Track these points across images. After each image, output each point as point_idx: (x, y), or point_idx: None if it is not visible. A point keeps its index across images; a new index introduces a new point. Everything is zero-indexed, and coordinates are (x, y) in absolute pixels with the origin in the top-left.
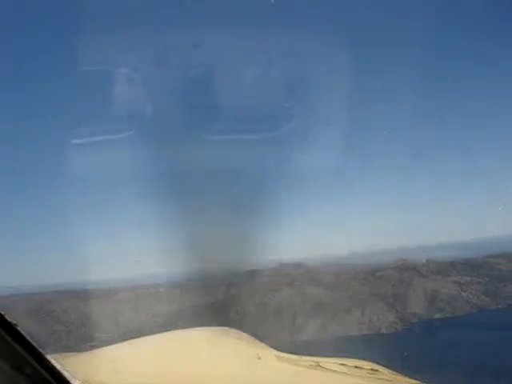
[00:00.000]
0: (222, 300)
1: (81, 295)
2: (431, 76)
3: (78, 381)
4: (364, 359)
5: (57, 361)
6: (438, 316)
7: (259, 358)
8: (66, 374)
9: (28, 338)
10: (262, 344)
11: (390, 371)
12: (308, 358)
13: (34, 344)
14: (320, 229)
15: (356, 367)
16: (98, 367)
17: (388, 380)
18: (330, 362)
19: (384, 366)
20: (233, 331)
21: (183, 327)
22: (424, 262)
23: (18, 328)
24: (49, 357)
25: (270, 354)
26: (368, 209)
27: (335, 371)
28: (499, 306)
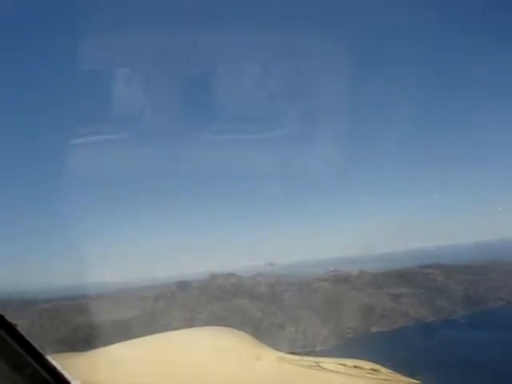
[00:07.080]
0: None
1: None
2: (435, 77)
3: (77, 381)
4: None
5: (57, 361)
6: (374, 329)
7: (258, 359)
8: (66, 375)
9: (28, 338)
10: (262, 344)
11: (390, 371)
12: (308, 358)
13: (34, 344)
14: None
15: (356, 367)
16: (97, 367)
17: (388, 380)
18: (330, 362)
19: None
20: (233, 331)
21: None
22: (357, 273)
23: (18, 328)
24: (49, 357)
25: (269, 354)
26: (301, 219)
27: (336, 371)
28: (436, 318)
